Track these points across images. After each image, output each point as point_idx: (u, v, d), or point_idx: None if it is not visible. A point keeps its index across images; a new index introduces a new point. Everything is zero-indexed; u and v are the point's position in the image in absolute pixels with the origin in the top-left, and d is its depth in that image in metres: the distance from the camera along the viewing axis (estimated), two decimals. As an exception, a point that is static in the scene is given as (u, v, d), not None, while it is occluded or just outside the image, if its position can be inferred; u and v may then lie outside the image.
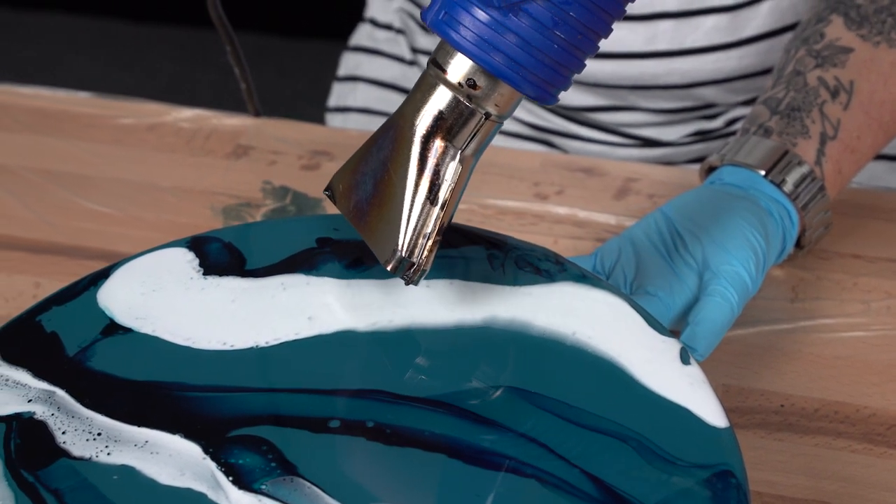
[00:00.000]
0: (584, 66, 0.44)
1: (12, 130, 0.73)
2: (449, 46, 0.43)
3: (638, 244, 0.56)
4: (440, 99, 0.44)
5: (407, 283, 0.45)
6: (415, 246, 0.44)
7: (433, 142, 0.44)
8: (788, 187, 0.58)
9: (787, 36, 0.74)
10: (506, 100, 0.44)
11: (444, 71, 0.43)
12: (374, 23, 0.88)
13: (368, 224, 0.45)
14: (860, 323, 0.59)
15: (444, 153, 0.44)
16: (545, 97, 0.44)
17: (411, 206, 0.44)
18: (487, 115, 0.44)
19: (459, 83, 0.43)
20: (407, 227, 0.44)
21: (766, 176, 0.58)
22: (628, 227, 0.65)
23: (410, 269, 0.44)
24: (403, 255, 0.44)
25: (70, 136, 0.73)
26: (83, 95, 0.76)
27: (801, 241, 0.60)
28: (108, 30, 2.02)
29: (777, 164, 0.58)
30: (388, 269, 0.44)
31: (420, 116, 0.44)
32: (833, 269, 0.62)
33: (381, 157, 0.45)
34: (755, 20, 0.73)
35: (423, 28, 0.86)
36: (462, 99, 0.44)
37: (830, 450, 0.53)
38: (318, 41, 1.85)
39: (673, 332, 0.50)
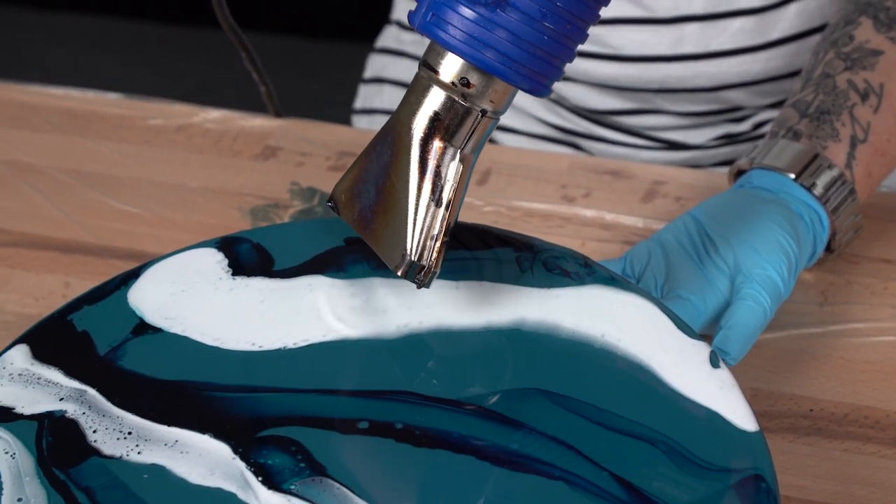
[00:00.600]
0: (575, 54, 0.45)
1: (42, 131, 0.74)
2: (439, 47, 0.43)
3: (668, 247, 0.56)
4: (435, 100, 0.44)
5: (419, 287, 0.45)
6: (423, 249, 0.44)
7: (432, 143, 0.44)
8: (818, 191, 0.58)
9: (815, 38, 0.74)
10: (500, 95, 0.44)
11: (435, 72, 0.43)
12: (401, 25, 0.89)
13: (374, 231, 0.45)
14: (890, 327, 0.58)
15: (443, 154, 0.44)
16: (539, 89, 0.44)
17: (416, 209, 0.44)
18: (483, 112, 0.44)
19: (453, 83, 0.43)
20: (414, 231, 0.44)
21: (796, 179, 0.58)
22: (656, 230, 0.64)
23: (420, 272, 0.44)
24: (413, 259, 0.44)
25: (99, 137, 0.73)
26: (112, 96, 0.77)
27: (832, 244, 0.60)
28: (134, 31, 2.03)
29: (807, 168, 0.58)
30: (399, 273, 0.44)
31: (416, 119, 0.44)
32: (863, 273, 0.61)
33: (382, 163, 0.45)
34: (782, 22, 0.73)
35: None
36: (457, 98, 0.44)
37: (860, 455, 0.52)
38: (343, 43, 1.85)
39: (704, 336, 0.50)
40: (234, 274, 0.51)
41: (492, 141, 0.84)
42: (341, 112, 0.94)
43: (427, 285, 0.45)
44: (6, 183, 0.70)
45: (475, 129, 0.44)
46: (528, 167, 0.69)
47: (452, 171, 0.44)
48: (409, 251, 0.44)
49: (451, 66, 0.43)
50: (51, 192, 0.69)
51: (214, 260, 0.51)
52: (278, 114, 0.73)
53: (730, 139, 0.80)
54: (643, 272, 0.55)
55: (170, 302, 0.49)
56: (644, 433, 0.43)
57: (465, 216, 0.66)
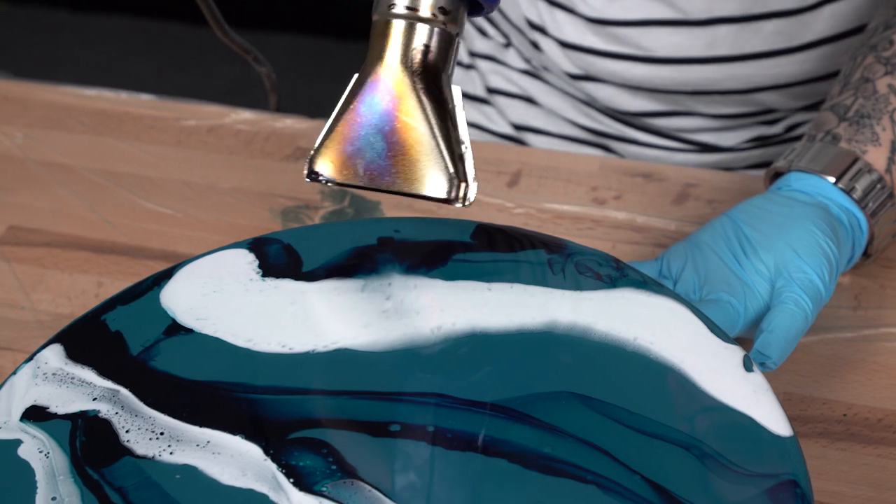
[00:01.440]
0: None
1: (76, 132, 0.74)
2: None
3: (706, 250, 0.56)
4: (422, 34, 0.46)
5: (464, 204, 0.46)
6: (457, 168, 0.46)
7: (430, 75, 0.46)
8: (857, 194, 0.57)
9: (849, 41, 0.73)
10: (462, 16, 0.46)
11: (415, 9, 0.45)
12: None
13: (399, 174, 0.46)
14: (925, 332, 0.58)
15: (443, 81, 0.46)
16: (494, 4, 0.47)
17: (440, 137, 0.45)
18: (458, 35, 0.46)
19: (434, 14, 0.45)
20: (446, 155, 0.45)
21: (835, 183, 0.57)
22: (688, 233, 0.64)
23: (466, 190, 0.46)
24: (457, 179, 0.45)
25: (132, 138, 0.74)
26: (145, 97, 0.77)
27: (869, 249, 0.59)
28: (164, 32, 2.04)
29: (847, 172, 0.57)
30: (451, 196, 0.45)
31: (409, 58, 0.46)
32: (897, 276, 0.61)
33: (380, 111, 0.46)
34: (816, 25, 0.72)
35: (482, 32, 0.86)
36: (438, 28, 0.46)
37: (894, 460, 0.52)
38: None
39: (737, 341, 0.50)
40: (264, 275, 0.51)
41: (522, 142, 0.84)
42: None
43: (471, 201, 0.46)
44: (40, 183, 0.70)
45: (455, 52, 0.47)
46: (559, 169, 0.69)
47: (455, 93, 0.47)
48: (452, 174, 0.45)
49: (439, 2, 0.45)
50: (84, 192, 0.70)
51: (246, 261, 0.51)
52: (278, 108, 0.74)
53: (762, 141, 0.80)
54: (681, 273, 0.55)
55: (201, 303, 0.50)
56: (677, 437, 0.43)
57: (496, 218, 0.66)
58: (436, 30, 0.46)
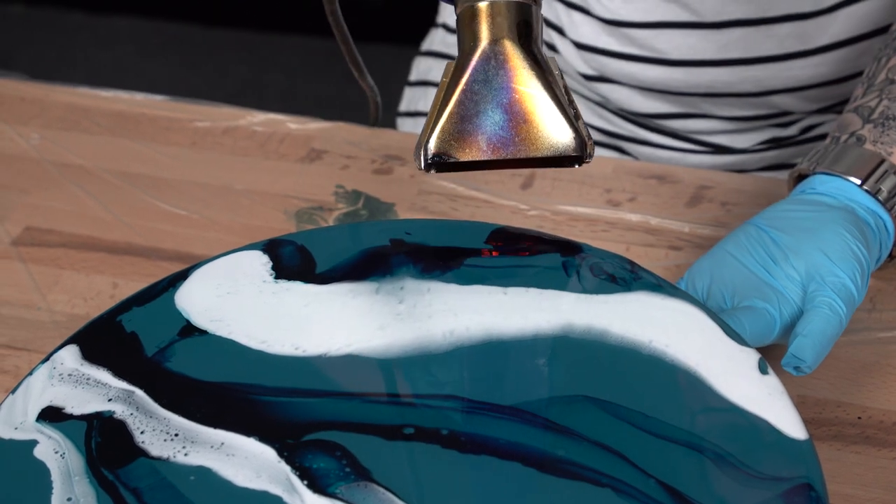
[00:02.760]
0: None
1: (92, 133, 0.75)
2: None
3: (731, 261, 0.55)
4: (521, 11, 0.47)
5: (588, 161, 0.48)
6: (579, 127, 0.47)
7: (531, 47, 0.48)
8: (883, 196, 0.57)
9: (864, 44, 0.73)
10: None
11: None
12: (447, 28, 0.89)
13: (524, 141, 0.48)
14: (941, 335, 0.57)
15: (541, 51, 0.48)
16: None
17: (558, 100, 0.47)
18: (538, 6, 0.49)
19: None
20: (569, 116, 0.47)
21: (861, 185, 0.57)
22: (702, 235, 0.64)
23: (589, 148, 0.48)
24: (581, 137, 0.47)
25: (147, 139, 0.74)
26: (160, 98, 0.77)
27: (894, 250, 0.59)
28: (178, 33, 2.05)
29: (873, 174, 0.57)
30: (580, 153, 0.47)
31: (513, 32, 0.47)
32: (913, 279, 0.61)
33: (495, 86, 0.47)
34: (831, 28, 0.72)
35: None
36: (532, 4, 0.48)
37: (909, 464, 0.52)
38: (390, 46, 1.86)
39: (767, 346, 0.49)
40: (278, 277, 0.51)
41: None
42: (389, 114, 0.94)
43: (592, 157, 0.48)
44: (56, 184, 0.71)
45: (542, 22, 0.49)
46: (573, 171, 0.69)
47: (553, 61, 0.49)
48: (577, 131, 0.47)
49: None
50: (100, 193, 0.70)
51: (260, 262, 0.52)
52: (376, 121, 0.73)
53: (776, 143, 0.80)
54: (708, 290, 0.54)
55: (216, 304, 0.50)
56: (692, 440, 0.43)
57: (510, 220, 0.66)
58: (528, 5, 0.48)
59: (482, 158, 0.48)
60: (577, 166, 0.48)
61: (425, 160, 0.48)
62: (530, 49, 0.48)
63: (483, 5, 0.48)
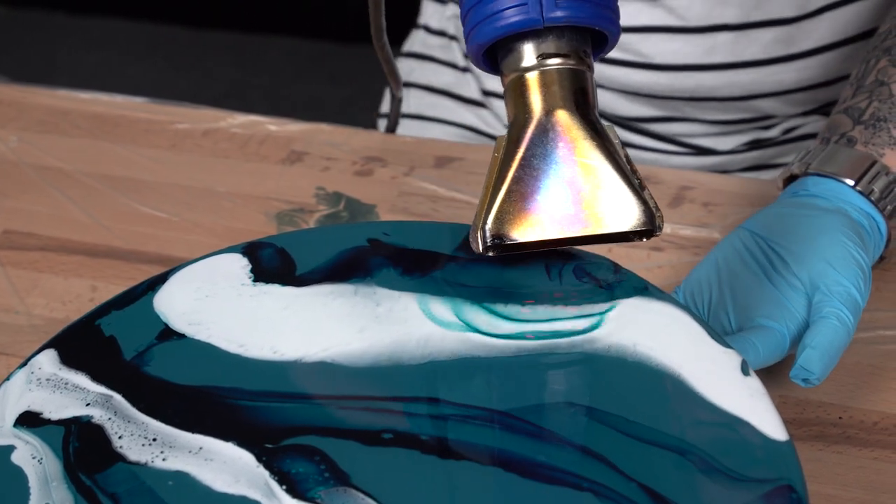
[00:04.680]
0: None
1: (71, 135, 0.74)
2: (554, 34, 0.45)
3: (730, 270, 0.55)
4: (576, 78, 0.45)
5: (659, 233, 0.45)
6: (647, 198, 0.45)
7: (589, 114, 0.46)
8: (875, 196, 0.57)
9: (849, 48, 0.73)
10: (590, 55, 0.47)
11: (564, 56, 0.45)
12: (428, 29, 0.88)
13: (590, 217, 0.45)
14: (922, 335, 0.58)
15: (599, 118, 0.46)
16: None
17: (622, 171, 0.45)
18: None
19: (580, 57, 0.45)
20: (636, 188, 0.45)
21: (854, 186, 0.57)
22: (684, 235, 0.64)
23: (659, 220, 0.45)
24: (650, 209, 0.45)
25: (127, 142, 0.74)
26: (139, 101, 0.77)
27: (884, 251, 0.59)
28: (163, 35, 2.04)
29: (865, 175, 0.57)
30: (651, 227, 0.45)
31: (570, 102, 0.45)
32: (892, 279, 0.61)
33: (557, 158, 0.45)
34: (815, 32, 0.72)
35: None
36: (586, 69, 0.46)
37: (890, 463, 0.52)
38: (369, 47, 1.86)
39: (732, 348, 0.49)
40: (257, 279, 0.51)
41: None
42: (370, 116, 0.94)
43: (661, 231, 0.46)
44: (35, 187, 0.70)
45: (596, 89, 0.47)
46: (555, 172, 0.69)
47: (612, 129, 0.46)
48: (646, 204, 0.45)
49: (573, 43, 0.45)
50: (79, 196, 0.70)
51: (239, 265, 0.51)
52: (392, 129, 0.72)
53: (758, 144, 0.80)
54: (709, 303, 0.54)
55: (194, 307, 0.50)
56: (674, 444, 0.43)
57: (492, 221, 0.66)
58: (583, 71, 0.45)
59: (547, 238, 0.46)
60: (645, 240, 0.46)
61: (484, 243, 0.46)
62: (589, 118, 0.45)
63: (534, 74, 0.45)
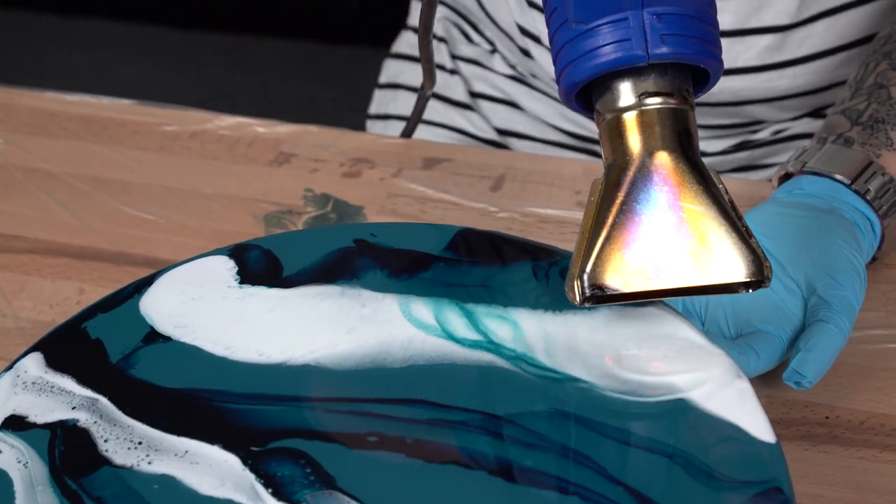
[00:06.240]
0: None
1: (58, 137, 0.74)
2: (661, 70, 0.42)
3: None
4: (679, 118, 0.43)
5: (767, 283, 0.43)
6: (755, 246, 0.43)
7: (693, 157, 0.43)
8: (870, 195, 0.57)
9: (842, 55, 0.73)
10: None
11: (666, 94, 0.42)
12: (416, 30, 0.88)
13: (697, 266, 0.43)
14: (908, 334, 0.58)
15: (702, 161, 0.44)
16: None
17: (730, 219, 0.43)
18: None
19: (683, 96, 0.43)
20: (743, 235, 0.43)
21: (850, 185, 0.57)
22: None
23: (767, 269, 0.43)
24: (759, 257, 0.43)
25: (115, 144, 0.73)
26: (127, 102, 0.77)
27: (876, 252, 0.59)
28: (152, 36, 2.04)
29: (861, 174, 0.57)
30: (761, 276, 0.42)
31: (673, 143, 0.43)
32: (880, 279, 0.61)
33: (662, 204, 0.43)
34: (810, 39, 0.72)
35: (467, 38, 0.85)
36: (689, 109, 0.43)
37: (876, 462, 0.52)
38: (363, 48, 1.85)
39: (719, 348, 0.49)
40: (244, 282, 0.51)
41: (506, 148, 0.84)
42: (362, 117, 0.94)
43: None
44: (22, 189, 0.70)
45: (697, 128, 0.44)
46: (543, 173, 0.69)
47: (716, 173, 0.44)
48: (754, 252, 0.43)
49: (675, 81, 0.43)
50: (66, 198, 0.69)
51: (226, 268, 0.51)
52: (409, 134, 0.71)
53: (747, 146, 0.80)
54: (706, 307, 0.53)
55: (180, 310, 0.49)
56: (661, 447, 0.43)
57: (479, 222, 0.66)
58: (685, 111, 0.43)
59: (651, 289, 0.43)
60: (750, 291, 0.43)
61: (582, 294, 0.43)
62: (693, 161, 0.42)
63: (633, 114, 0.42)
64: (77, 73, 1.96)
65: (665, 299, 0.46)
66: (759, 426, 0.43)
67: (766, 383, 0.55)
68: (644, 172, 0.43)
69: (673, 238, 0.43)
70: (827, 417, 0.54)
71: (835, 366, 0.56)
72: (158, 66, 1.98)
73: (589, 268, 0.43)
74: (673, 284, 0.43)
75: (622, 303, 0.44)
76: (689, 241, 0.43)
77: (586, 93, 0.44)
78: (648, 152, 0.43)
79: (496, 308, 0.48)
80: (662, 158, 0.43)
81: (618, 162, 0.43)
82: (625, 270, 0.43)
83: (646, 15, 0.41)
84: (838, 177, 0.57)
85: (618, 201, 0.43)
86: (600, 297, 0.43)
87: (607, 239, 0.43)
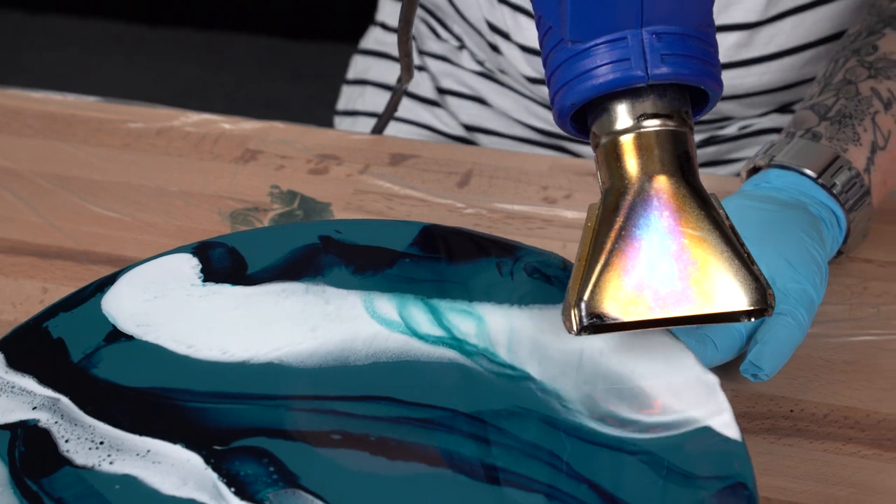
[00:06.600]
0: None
1: (23, 135, 0.74)
2: (660, 92, 0.41)
3: None
4: (680, 141, 0.42)
5: (770, 312, 0.42)
6: (758, 273, 0.42)
7: (693, 181, 0.42)
8: (837, 190, 0.57)
9: (809, 53, 0.73)
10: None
11: (665, 116, 0.41)
12: (385, 26, 0.88)
13: (699, 294, 0.41)
14: (870, 327, 0.58)
15: (702, 185, 0.42)
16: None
17: (731, 245, 0.41)
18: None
19: (682, 118, 0.42)
20: (746, 262, 0.41)
21: (817, 179, 0.57)
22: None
23: (770, 298, 0.42)
24: (762, 285, 0.41)
25: (80, 141, 0.73)
26: (92, 100, 0.76)
27: (842, 247, 0.59)
28: (123, 33, 2.03)
29: (828, 169, 0.57)
30: (765, 305, 0.41)
31: (674, 167, 0.41)
32: (843, 272, 0.61)
33: (662, 229, 0.41)
34: (777, 37, 0.72)
35: (435, 34, 0.85)
36: (688, 131, 0.42)
37: (840, 455, 0.52)
38: (332, 44, 1.85)
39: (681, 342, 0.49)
40: (207, 279, 0.50)
41: (473, 144, 0.84)
42: (332, 113, 0.93)
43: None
44: (-15, 188, 0.69)
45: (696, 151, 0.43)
46: (509, 168, 0.69)
47: (716, 197, 0.43)
48: (758, 280, 0.41)
49: (674, 103, 0.41)
50: (31, 196, 0.69)
51: (189, 265, 0.51)
52: (380, 129, 0.71)
53: (713, 141, 0.80)
54: None
55: (143, 309, 0.49)
56: (626, 444, 0.43)
57: (446, 219, 0.66)
58: (684, 133, 0.42)
59: (650, 318, 0.41)
60: (752, 319, 0.42)
61: (579, 323, 0.41)
62: (693, 185, 0.41)
63: (630, 137, 0.41)
64: (47, 70, 1.94)
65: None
66: (723, 422, 0.43)
67: (731, 377, 0.56)
68: (643, 197, 0.41)
69: (674, 265, 0.41)
70: (791, 411, 0.54)
71: (799, 359, 0.57)
72: (129, 64, 1.96)
73: (587, 296, 0.41)
74: (674, 313, 0.41)
75: (619, 331, 0.42)
76: (691, 269, 0.41)
77: (581, 114, 0.43)
78: (647, 176, 0.41)
79: (461, 303, 0.48)
80: (662, 182, 0.41)
81: (615, 186, 0.42)
82: (624, 299, 0.41)
83: (645, 34, 0.40)
84: (805, 171, 0.57)
85: (616, 227, 0.41)
86: (598, 327, 0.41)
87: (605, 265, 0.41)
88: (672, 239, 0.41)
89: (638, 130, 0.41)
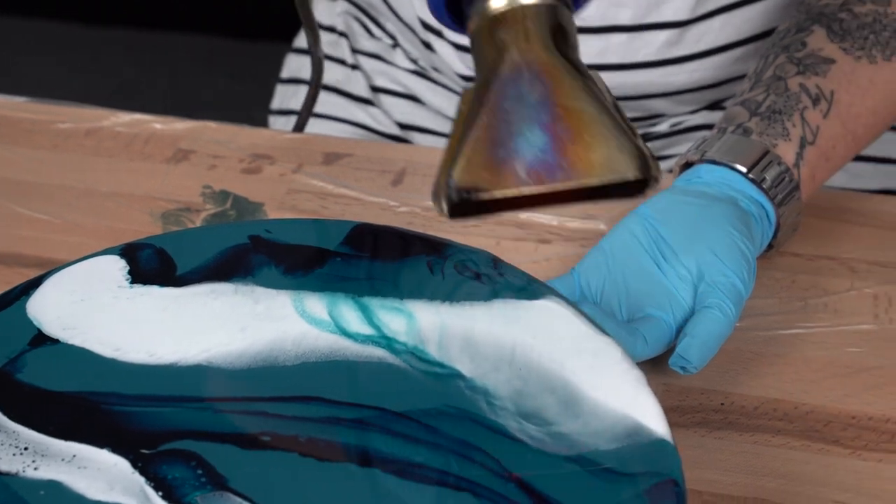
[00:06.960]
0: None
1: (-52, 137, 0.72)
2: None
3: (624, 258, 0.55)
4: (553, 14, 0.40)
5: (656, 184, 0.39)
6: (642, 143, 0.39)
7: (570, 54, 0.40)
8: (766, 184, 0.58)
9: (739, 50, 0.74)
10: None
11: None
12: (321, 26, 0.88)
13: (574, 165, 0.38)
14: (798, 320, 0.59)
15: (579, 56, 0.40)
16: None
17: (609, 115, 0.39)
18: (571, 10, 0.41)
19: None
20: (627, 132, 0.39)
21: (747, 174, 0.58)
22: (571, 228, 0.64)
23: (655, 168, 0.39)
24: (647, 155, 0.38)
25: (8, 142, 0.72)
26: (21, 100, 0.75)
27: (772, 241, 0.60)
28: (57, 32, 2.00)
29: (758, 163, 0.58)
30: (649, 175, 0.38)
31: (548, 40, 0.39)
32: (772, 266, 0.62)
33: (534, 101, 0.39)
34: (708, 35, 0.73)
35: (368, 32, 0.85)
36: (564, 7, 0.40)
37: (769, 447, 0.53)
38: (269, 43, 1.84)
39: (610, 336, 0.50)
40: (135, 281, 0.50)
41: (408, 142, 0.83)
42: (261, 113, 0.93)
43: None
44: None
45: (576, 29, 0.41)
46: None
47: (598, 76, 0.40)
48: (641, 149, 0.38)
49: None
50: (-44, 199, 0.67)
51: (117, 267, 0.50)
52: (301, 127, 0.70)
53: (645, 138, 0.81)
54: (602, 290, 0.54)
55: (69, 312, 0.48)
56: (553, 442, 0.43)
57: (380, 217, 0.65)
58: (557, 6, 0.40)
59: (523, 191, 0.38)
60: (640, 194, 0.39)
61: (449, 202, 0.38)
62: (570, 57, 0.39)
63: (503, 13, 0.39)
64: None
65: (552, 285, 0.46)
66: (652, 418, 0.43)
67: (662, 371, 0.56)
68: (515, 69, 0.39)
69: (547, 136, 0.38)
70: (722, 404, 0.55)
71: (729, 353, 0.57)
72: (62, 64, 1.94)
73: (455, 172, 0.38)
74: (551, 186, 0.38)
75: (496, 214, 0.39)
76: (568, 139, 0.38)
77: (457, 7, 0.41)
78: (519, 49, 0.39)
79: (392, 301, 0.48)
80: (536, 53, 0.39)
81: (487, 62, 0.40)
82: (495, 173, 0.38)
83: None
84: (736, 166, 0.58)
85: (488, 101, 0.39)
86: (470, 204, 0.38)
87: (476, 140, 0.38)
88: (545, 110, 0.39)
89: (512, 6, 0.40)
